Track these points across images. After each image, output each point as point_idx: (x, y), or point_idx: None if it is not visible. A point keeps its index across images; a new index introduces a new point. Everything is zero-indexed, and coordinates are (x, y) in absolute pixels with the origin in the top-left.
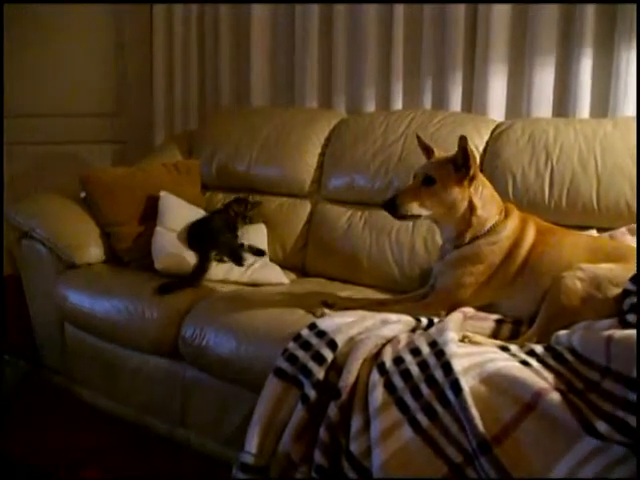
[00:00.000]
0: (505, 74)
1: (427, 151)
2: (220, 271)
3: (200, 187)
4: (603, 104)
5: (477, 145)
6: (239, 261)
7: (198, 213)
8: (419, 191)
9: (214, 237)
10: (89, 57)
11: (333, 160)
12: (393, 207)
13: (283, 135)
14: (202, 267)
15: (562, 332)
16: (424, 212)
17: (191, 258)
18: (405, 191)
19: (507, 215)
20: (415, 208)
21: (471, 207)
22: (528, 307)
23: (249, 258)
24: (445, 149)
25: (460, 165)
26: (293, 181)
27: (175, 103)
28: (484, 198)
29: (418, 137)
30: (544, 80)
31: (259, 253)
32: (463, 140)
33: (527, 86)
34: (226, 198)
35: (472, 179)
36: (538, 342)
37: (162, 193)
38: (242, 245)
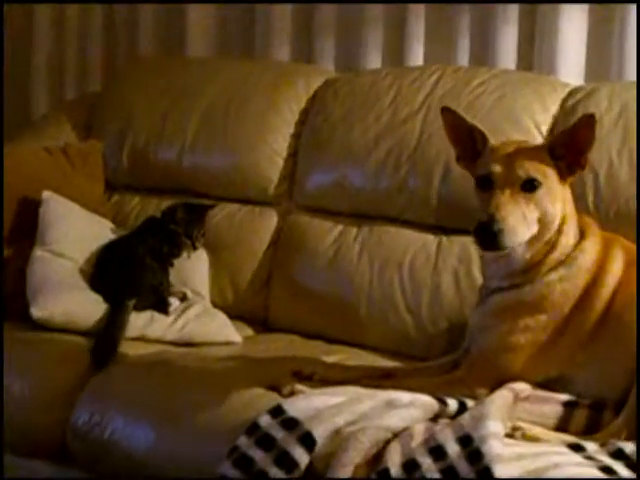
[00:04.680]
0: (585, 13)
1: (467, 138)
2: (135, 322)
3: (103, 186)
4: None
5: (539, 123)
6: (164, 307)
7: (105, 228)
8: (519, 202)
9: (135, 276)
10: None
11: (314, 145)
12: (493, 236)
13: (235, 104)
14: (114, 328)
15: None
16: (527, 236)
17: (94, 305)
18: (504, 203)
19: (584, 234)
20: (523, 231)
21: (563, 218)
22: (614, 382)
23: (175, 302)
24: (491, 132)
25: (561, 154)
26: (250, 178)
27: (66, 50)
28: (571, 205)
29: (446, 111)
30: None
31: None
32: (591, 119)
33: (619, 33)
34: (143, 205)
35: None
36: (629, 438)
37: (45, 195)
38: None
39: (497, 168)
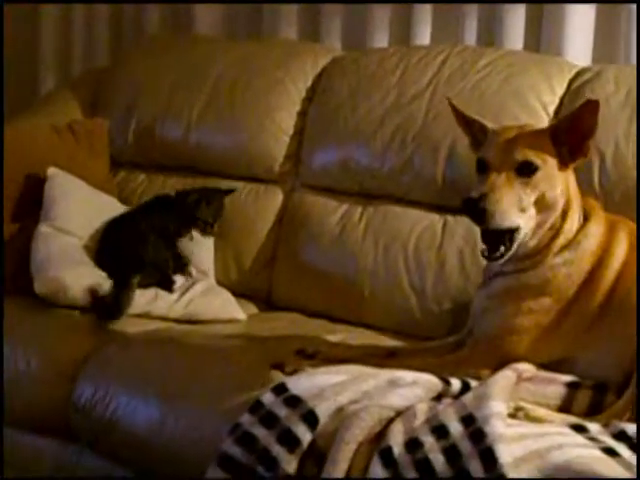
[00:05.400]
0: None
1: (471, 126)
2: (139, 300)
3: (109, 163)
4: None
5: (545, 103)
6: (168, 285)
7: (110, 205)
8: (514, 186)
9: (139, 253)
10: None
11: (320, 123)
12: (480, 213)
13: (242, 82)
14: (118, 303)
15: None
16: (522, 221)
17: (98, 281)
18: (497, 186)
19: (588, 217)
20: (515, 215)
21: (567, 203)
22: (617, 364)
23: (179, 280)
24: (493, 114)
25: (564, 139)
26: (256, 156)
27: (73, 28)
28: (575, 189)
29: (449, 102)
30: None
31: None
32: (594, 105)
33: (626, 16)
34: (148, 182)
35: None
36: (631, 419)
37: (50, 171)
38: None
39: (493, 151)
